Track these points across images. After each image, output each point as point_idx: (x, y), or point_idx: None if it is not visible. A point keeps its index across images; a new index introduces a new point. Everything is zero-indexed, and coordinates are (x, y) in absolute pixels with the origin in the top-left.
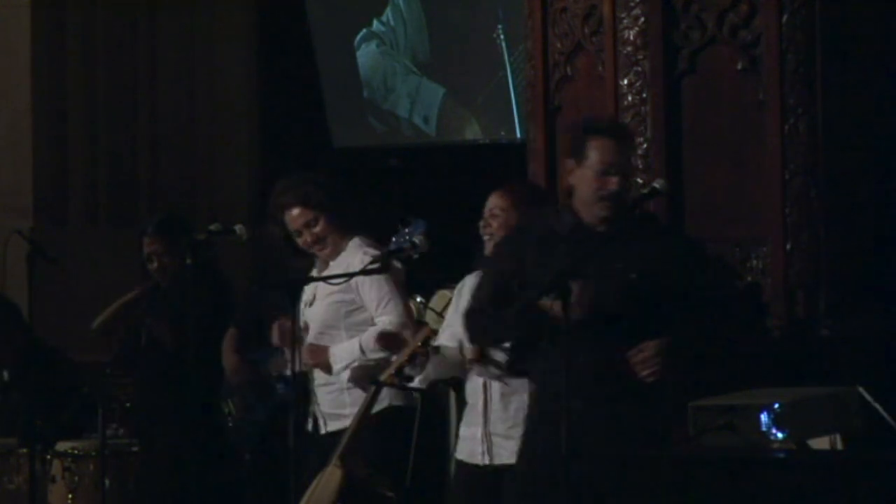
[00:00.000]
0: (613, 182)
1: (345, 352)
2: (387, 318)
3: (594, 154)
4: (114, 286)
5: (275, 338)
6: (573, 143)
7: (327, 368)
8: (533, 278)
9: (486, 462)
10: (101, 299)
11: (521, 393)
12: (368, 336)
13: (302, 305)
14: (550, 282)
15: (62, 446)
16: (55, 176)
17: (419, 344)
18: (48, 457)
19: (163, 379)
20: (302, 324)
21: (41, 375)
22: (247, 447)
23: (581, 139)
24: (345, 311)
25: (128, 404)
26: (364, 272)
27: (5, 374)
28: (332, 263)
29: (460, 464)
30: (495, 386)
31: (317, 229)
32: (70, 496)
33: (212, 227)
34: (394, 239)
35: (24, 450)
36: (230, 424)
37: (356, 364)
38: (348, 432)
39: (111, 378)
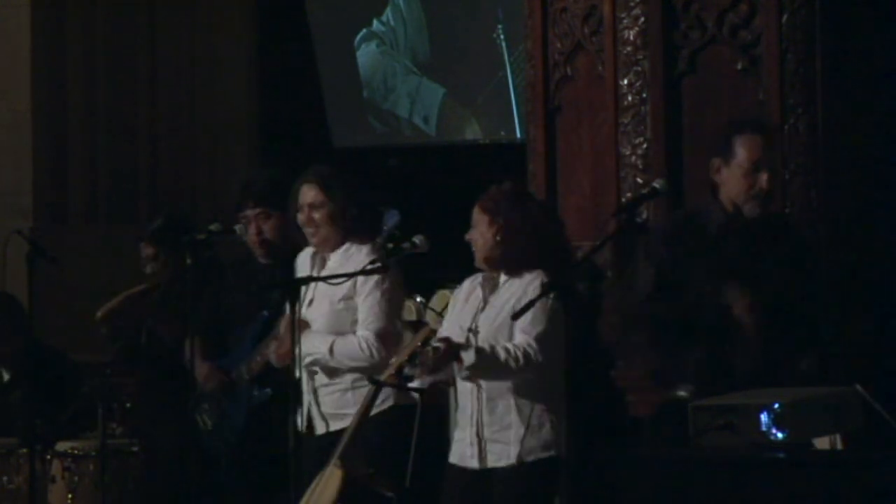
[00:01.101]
0: (763, 179)
1: (314, 340)
2: (366, 334)
3: (742, 151)
4: (114, 286)
5: (282, 328)
6: (720, 142)
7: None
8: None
9: (476, 466)
10: (101, 299)
11: (506, 397)
12: (342, 343)
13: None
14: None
15: (62, 446)
16: (55, 176)
17: (419, 344)
18: (48, 457)
19: (163, 378)
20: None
21: (41, 375)
22: (224, 453)
23: (728, 137)
24: (353, 317)
25: (128, 404)
26: (364, 272)
27: (5, 374)
28: (335, 266)
29: (452, 467)
30: (484, 389)
31: (317, 215)
32: (70, 496)
33: (212, 227)
34: None
35: (24, 450)
36: (208, 428)
37: (317, 358)
38: (348, 432)
39: (111, 378)
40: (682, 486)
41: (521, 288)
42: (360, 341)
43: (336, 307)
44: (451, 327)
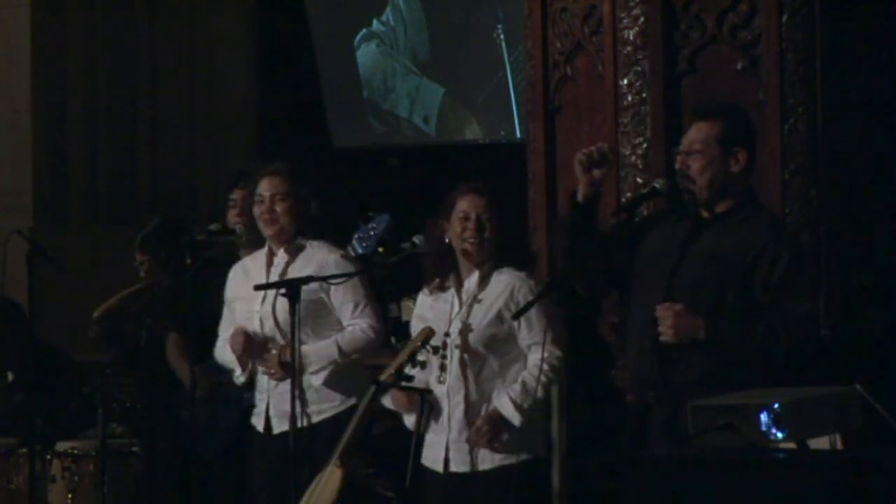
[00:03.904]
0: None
1: (321, 353)
2: (366, 323)
3: None
4: (114, 286)
5: (236, 349)
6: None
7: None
8: None
9: (458, 469)
10: (101, 299)
11: (489, 401)
12: (346, 338)
13: (256, 304)
14: None
15: (62, 446)
16: (55, 176)
17: (419, 343)
18: (48, 457)
19: (163, 379)
20: (258, 322)
21: (42, 375)
22: (216, 454)
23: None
24: (314, 310)
25: (128, 404)
26: (363, 272)
27: (9, 375)
28: (299, 261)
29: (429, 472)
30: (463, 393)
31: (279, 207)
32: (70, 496)
33: (212, 227)
34: (357, 236)
35: (24, 450)
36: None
37: (330, 366)
38: (348, 432)
39: (111, 378)
40: (682, 486)
41: (507, 286)
42: (361, 329)
43: (303, 302)
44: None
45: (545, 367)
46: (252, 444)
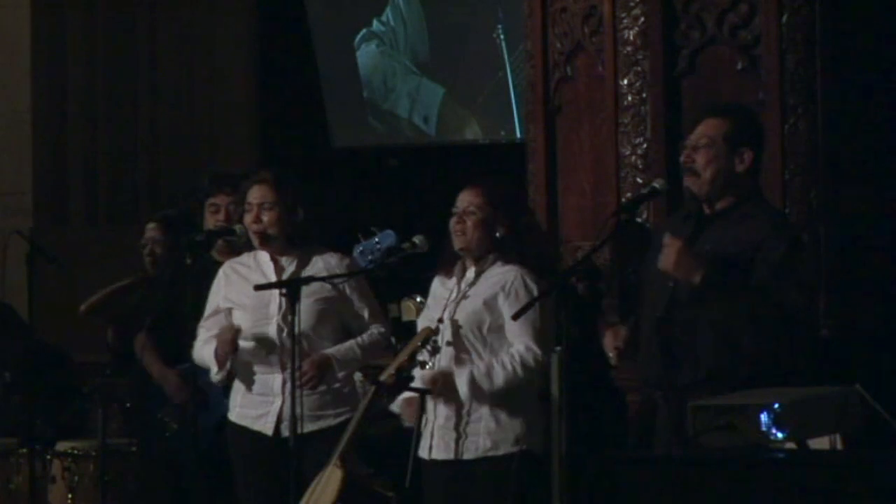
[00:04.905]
0: None
1: (347, 356)
2: (382, 328)
3: None
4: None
5: (226, 347)
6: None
7: (332, 375)
8: None
9: (445, 457)
10: None
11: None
12: (367, 341)
13: (270, 310)
14: None
15: (62, 446)
16: (55, 176)
17: (419, 344)
18: (48, 457)
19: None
20: (274, 328)
21: (41, 375)
22: (192, 458)
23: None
24: (333, 310)
25: (127, 404)
26: (363, 271)
27: (7, 376)
28: (310, 268)
29: (421, 461)
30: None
31: (266, 217)
32: (70, 496)
33: (211, 227)
34: (360, 250)
35: (24, 450)
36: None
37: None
38: (348, 432)
39: (111, 378)
40: (682, 486)
41: (500, 279)
42: (379, 333)
43: (312, 307)
44: (425, 322)
45: (517, 360)
46: (240, 448)
